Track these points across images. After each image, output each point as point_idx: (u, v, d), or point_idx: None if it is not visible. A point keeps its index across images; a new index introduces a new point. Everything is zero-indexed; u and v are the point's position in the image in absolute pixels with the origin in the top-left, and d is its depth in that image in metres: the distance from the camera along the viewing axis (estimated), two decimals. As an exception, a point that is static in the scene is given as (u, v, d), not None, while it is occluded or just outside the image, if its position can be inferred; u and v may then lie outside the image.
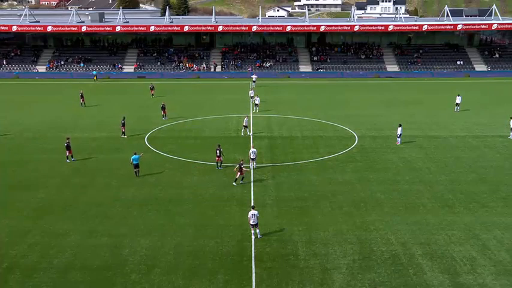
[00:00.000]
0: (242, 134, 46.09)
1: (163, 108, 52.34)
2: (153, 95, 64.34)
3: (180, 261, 24.15)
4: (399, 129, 42.87)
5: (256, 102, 55.69)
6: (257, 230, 26.25)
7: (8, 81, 78.98)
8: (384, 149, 41.73)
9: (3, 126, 48.95)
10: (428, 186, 33.48)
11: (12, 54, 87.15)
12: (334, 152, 40.99)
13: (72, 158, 38.83)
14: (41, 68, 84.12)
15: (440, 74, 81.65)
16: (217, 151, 36.15)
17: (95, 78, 78.01)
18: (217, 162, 36.61)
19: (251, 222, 26.08)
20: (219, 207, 30.29)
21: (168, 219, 28.62)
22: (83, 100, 58.94)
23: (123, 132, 45.60)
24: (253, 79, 72.57)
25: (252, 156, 36.33)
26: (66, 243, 25.93)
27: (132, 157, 35.29)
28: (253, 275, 23.01)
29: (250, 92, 61.15)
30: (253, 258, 24.36)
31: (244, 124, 46.24)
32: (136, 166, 35.30)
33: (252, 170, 36.06)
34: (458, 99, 55.94)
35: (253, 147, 37.12)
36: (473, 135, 45.70)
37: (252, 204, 27.81)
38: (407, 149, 41.65)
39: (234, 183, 33.74)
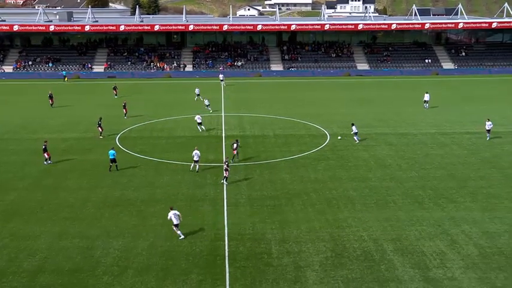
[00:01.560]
0: (200, 130, 46.55)
1: (124, 106, 52.53)
2: (116, 95, 63.69)
3: (153, 262, 23.97)
4: (353, 127, 43.49)
5: (206, 103, 55.13)
6: (178, 232, 26.11)
7: (-26, 81, 77.12)
8: (355, 147, 42.16)
9: (-31, 128, 47.80)
10: (399, 183, 33.96)
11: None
12: (306, 150, 41.24)
13: (50, 160, 37.94)
14: (8, 68, 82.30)
15: (409, 72, 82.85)
16: (234, 144, 37.68)
17: (65, 78, 76.66)
18: (234, 156, 37.77)
19: (175, 223, 25.95)
20: (192, 207, 30.17)
21: (141, 220, 28.38)
22: (51, 101, 57.95)
23: (101, 133, 45.12)
24: (221, 78, 72.63)
25: (195, 158, 35.75)
26: (36, 246, 25.46)
27: (109, 151, 35.88)
28: (227, 274, 22.99)
29: (196, 90, 61.72)
30: (226, 258, 24.33)
31: (198, 121, 46.98)
32: (113, 161, 35.82)
33: (196, 172, 35.70)
34: (426, 97, 56.94)
35: (196, 149, 36.08)
36: (442, 132, 46.51)
37: (171, 206, 27.09)
38: (378, 147, 42.17)
39: (223, 182, 33.56)
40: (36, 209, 29.72)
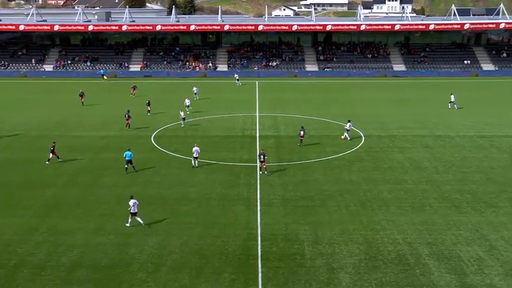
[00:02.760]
0: (182, 125, 48.28)
1: (148, 104, 54.33)
2: (134, 94, 64.58)
3: (187, 260, 24.21)
4: (348, 124, 44.25)
5: (187, 103, 55.16)
6: (138, 218, 27.49)
7: (15, 80, 79.36)
8: (390, 149, 41.65)
9: (11, 125, 49.19)
10: (435, 186, 33.39)
11: (20, 53, 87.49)
12: (341, 151, 40.95)
13: (49, 160, 38.02)
14: (48, 67, 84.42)
15: (447, 74, 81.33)
16: (261, 156, 35.46)
17: (104, 77, 77.99)
18: (261, 167, 35.86)
19: (132, 211, 27.35)
20: (225, 206, 30.33)
21: (175, 218, 28.69)
22: (82, 99, 59.21)
23: (128, 125, 47.24)
24: (236, 77, 73.47)
25: (194, 155, 36.73)
26: (74, 241, 26.05)
27: (125, 153, 36.02)
28: (260, 274, 23.04)
29: (194, 88, 62.86)
30: (259, 257, 24.38)
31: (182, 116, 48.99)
32: (129, 162, 35.99)
33: (195, 167, 36.80)
34: (452, 98, 56.55)
35: (196, 146, 37.22)
36: (481, 134, 45.50)
37: (131, 195, 28.13)
38: (414, 149, 41.55)
39: (260, 172, 35.44)
40: (74, 205, 30.39)
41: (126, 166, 36.01)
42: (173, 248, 25.29)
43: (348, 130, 44.01)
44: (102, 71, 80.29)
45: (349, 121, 44.66)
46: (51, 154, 38.04)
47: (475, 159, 38.89)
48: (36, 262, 24.09)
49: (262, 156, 35.47)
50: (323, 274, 22.98)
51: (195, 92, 62.70)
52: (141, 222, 27.61)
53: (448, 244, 25.61)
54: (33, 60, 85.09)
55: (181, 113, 49.33)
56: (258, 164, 36.09)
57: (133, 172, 35.96)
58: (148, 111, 53.77)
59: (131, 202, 27.51)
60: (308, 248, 25.28)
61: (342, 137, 43.99)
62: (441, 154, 40.22)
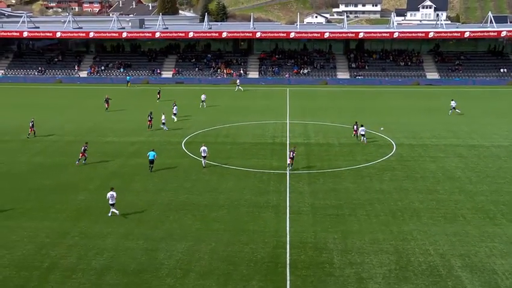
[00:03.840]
0: (166, 129, 49.79)
1: (174, 105, 55.33)
2: (159, 98, 65.65)
3: (215, 267, 24.28)
4: (361, 128, 45.56)
5: (174, 111, 54.69)
6: (113, 209, 29.67)
7: (51, 85, 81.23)
8: (422, 158, 41.04)
9: (46, 130, 50.29)
10: (469, 197, 32.72)
11: (56, 59, 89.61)
12: (372, 160, 40.54)
13: (78, 161, 39.51)
14: (83, 73, 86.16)
15: (483, 82, 79.76)
16: (291, 153, 38.00)
17: (128, 84, 79.05)
18: (289, 164, 38.23)
19: (110, 202, 29.54)
20: (254, 213, 30.34)
21: (204, 224, 28.84)
22: (107, 105, 60.16)
23: (150, 125, 50.07)
24: (238, 83, 75.02)
25: (203, 154, 38.26)
26: (104, 245, 26.43)
27: (149, 153, 37.98)
28: (288, 282, 22.94)
29: (202, 96, 62.88)
30: (287, 265, 24.29)
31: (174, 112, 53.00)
32: (151, 162, 37.72)
33: (203, 168, 38.12)
34: (452, 103, 57.25)
35: (204, 145, 38.60)
36: (517, 145, 44.44)
37: (111, 186, 30.40)
38: (446, 159, 40.84)
39: (289, 168, 37.71)
40: (104, 210, 30.81)
41: (150, 165, 37.75)
42: (202, 254, 25.40)
43: (363, 135, 45.32)
44: (128, 77, 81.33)
45: (362, 125, 45.92)
46: (80, 154, 39.45)
47: (511, 170, 37.97)
48: (68, 265, 24.51)
49: (292, 153, 37.84)
50: (352, 284, 22.74)
51: (203, 99, 62.41)
52: (117, 212, 29.71)
53: (482, 256, 25.04)
54: (76, 66, 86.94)
55: (163, 117, 50.53)
56: (288, 161, 38.27)
57: (150, 173, 37.18)
58: (174, 114, 54.08)
59: (109, 194, 29.72)
60: (337, 257, 25.07)
61: (364, 143, 44.92)
62: (475, 164, 39.43)
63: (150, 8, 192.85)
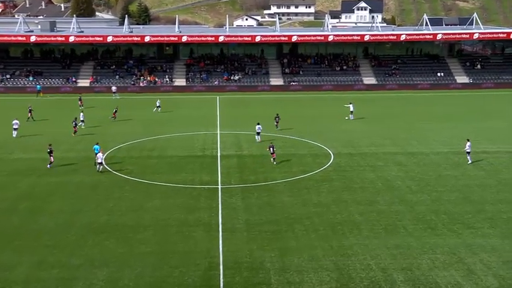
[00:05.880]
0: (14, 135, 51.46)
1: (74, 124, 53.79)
2: (81, 105, 66.40)
3: (141, 294, 23.79)
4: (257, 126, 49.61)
5: (81, 118, 56.08)
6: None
7: None
8: (361, 167, 42.15)
9: None
10: (409, 207, 33.87)
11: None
12: (309, 171, 41.21)
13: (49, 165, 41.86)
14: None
15: (420, 86, 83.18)
16: (271, 148, 42.62)
17: (39, 93, 76.57)
18: (274, 159, 42.71)
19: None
20: (184, 232, 30.03)
21: (128, 248, 28.20)
22: (30, 114, 58.89)
23: (75, 132, 52.33)
24: (113, 90, 76.57)
25: (98, 161, 40.38)
26: (13, 277, 25.21)
27: (94, 147, 41.64)
28: (222, 307, 22.81)
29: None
30: (221, 289, 24.19)
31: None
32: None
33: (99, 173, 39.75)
34: (351, 107, 59.91)
35: (101, 152, 41.03)
36: (456, 151, 46.44)
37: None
38: (386, 167, 42.16)
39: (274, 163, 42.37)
40: (13, 236, 29.49)
41: (95, 161, 40.72)
42: (126, 282, 24.79)
43: (258, 133, 49.38)
44: (39, 86, 78.67)
45: (258, 123, 49.92)
46: (51, 158, 41.64)
47: (451, 178, 39.69)
48: (-30, 301, 23.26)
49: (272, 148, 42.42)
50: (291, 305, 22.89)
51: (158, 105, 64.74)
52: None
53: (424, 269, 25.91)
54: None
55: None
56: (272, 157, 42.77)
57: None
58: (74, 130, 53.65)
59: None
60: (274, 276, 25.18)
61: (258, 141, 49.19)
62: (415, 172, 40.93)
63: (63, 9, 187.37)
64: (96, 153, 40.95)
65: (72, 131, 52.38)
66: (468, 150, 43.01)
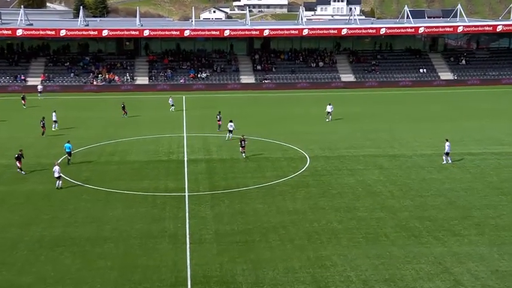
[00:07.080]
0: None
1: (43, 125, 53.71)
2: (24, 105, 67.00)
3: (101, 313, 23.57)
4: (230, 124, 51.36)
5: (54, 118, 56.15)
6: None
7: None
8: (339, 171, 42.46)
9: None
10: (392, 213, 34.23)
11: None
12: (283, 175, 41.36)
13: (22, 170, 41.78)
14: None
15: (401, 84, 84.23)
16: (242, 142, 44.99)
17: None
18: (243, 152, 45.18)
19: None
20: (148, 245, 29.86)
21: (85, 263, 27.91)
22: None
23: (43, 132, 52.87)
24: (39, 90, 75.88)
25: (55, 175, 38.28)
26: (-43, 297, 24.80)
27: (65, 145, 42.98)
28: (190, 325, 22.74)
29: (170, 100, 66.16)
30: (189, 306, 24.12)
31: None
32: (69, 154, 43.18)
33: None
34: (329, 108, 60.34)
35: (57, 165, 38.66)
36: (440, 153, 46.90)
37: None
38: (366, 171, 42.54)
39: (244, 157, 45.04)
40: (-43, 252, 28.98)
41: (68, 158, 43.03)
42: (84, 300, 24.56)
43: (231, 131, 51.32)
44: None
45: (231, 121, 51.97)
46: (18, 163, 41.36)
47: (435, 181, 40.23)
48: None
49: (243, 142, 44.86)
50: (265, 322, 22.94)
51: (171, 103, 66.11)
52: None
53: (408, 280, 26.19)
54: None
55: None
56: (240, 150, 45.05)
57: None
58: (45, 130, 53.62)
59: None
60: (247, 291, 25.21)
61: (228, 139, 51.03)
62: (397, 176, 41.39)
63: (8, 0, 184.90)
64: (68, 152, 42.70)
65: (40, 132, 53.12)
66: (447, 151, 43.67)
